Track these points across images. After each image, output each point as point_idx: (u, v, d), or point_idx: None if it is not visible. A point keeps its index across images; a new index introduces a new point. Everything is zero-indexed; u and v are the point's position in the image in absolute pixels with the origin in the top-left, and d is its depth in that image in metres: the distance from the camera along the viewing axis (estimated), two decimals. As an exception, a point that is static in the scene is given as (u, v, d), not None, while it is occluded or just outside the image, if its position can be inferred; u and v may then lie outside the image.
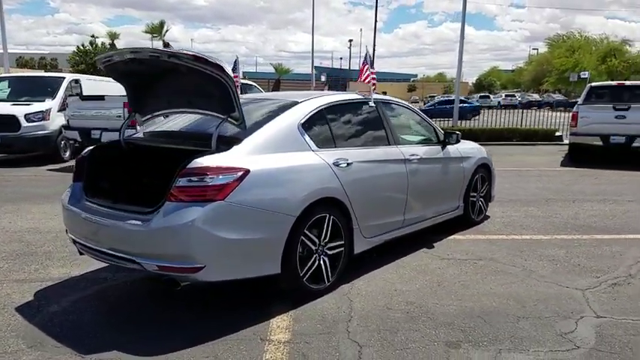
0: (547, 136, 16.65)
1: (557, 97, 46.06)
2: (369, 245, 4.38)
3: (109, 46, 38.74)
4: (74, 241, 3.85)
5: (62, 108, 11.74)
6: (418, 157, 4.90)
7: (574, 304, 3.79)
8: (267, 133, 3.71)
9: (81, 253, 4.00)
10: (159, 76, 3.91)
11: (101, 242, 3.54)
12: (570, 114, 12.29)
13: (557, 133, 16.76)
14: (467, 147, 5.89)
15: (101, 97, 10.71)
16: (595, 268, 4.59)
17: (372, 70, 5.28)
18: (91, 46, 39.39)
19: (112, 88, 13.90)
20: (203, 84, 3.58)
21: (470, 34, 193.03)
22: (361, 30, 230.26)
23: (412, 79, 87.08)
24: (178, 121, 4.46)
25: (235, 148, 3.48)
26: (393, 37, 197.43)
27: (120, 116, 10.34)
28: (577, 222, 6.29)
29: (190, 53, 3.35)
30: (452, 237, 5.56)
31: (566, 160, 12.34)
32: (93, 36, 40.13)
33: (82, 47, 39.61)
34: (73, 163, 10.50)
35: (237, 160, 3.39)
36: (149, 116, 4.33)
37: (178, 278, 3.30)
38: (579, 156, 12.11)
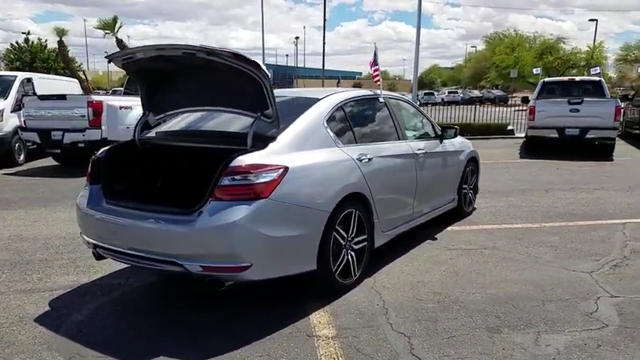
0: (500, 130, 17.35)
1: (497, 92, 48.06)
2: (386, 239, 4.45)
3: (45, 43, 36.70)
4: (95, 246, 3.68)
5: (16, 108, 11.12)
6: (424, 151, 5.02)
7: (586, 286, 4.02)
8: (298, 130, 3.69)
9: (98, 258, 3.84)
10: (183, 74, 3.81)
11: (134, 245, 3.41)
12: (527, 108, 12.86)
13: (509, 127, 17.50)
14: (459, 141, 6.07)
15: (62, 97, 10.20)
16: (591, 251, 4.87)
17: (375, 67, 5.34)
18: (26, 43, 37.25)
19: (65, 87, 13.37)
20: (236, 82, 3.53)
21: (408, 32, 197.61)
22: (304, 27, 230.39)
23: (357, 77, 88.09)
24: (189, 120, 4.34)
25: (271, 145, 3.45)
26: (335, 35, 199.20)
27: (84, 116, 9.91)
28: (558, 210, 6.64)
29: (230, 51, 3.30)
30: (449, 229, 5.73)
31: (523, 152, 12.93)
32: (27, 32, 37.89)
33: (16, 44, 37.39)
34: (26, 167, 10.00)
35: (277, 158, 3.37)
36: (162, 115, 4.20)
37: (224, 278, 3.24)
38: (536, 148, 12.72)
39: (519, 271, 4.37)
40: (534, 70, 32.58)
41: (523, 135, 14.76)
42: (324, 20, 38.11)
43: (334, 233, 3.68)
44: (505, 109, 21.20)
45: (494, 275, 4.27)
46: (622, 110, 12.69)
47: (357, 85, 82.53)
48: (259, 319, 3.46)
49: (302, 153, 3.59)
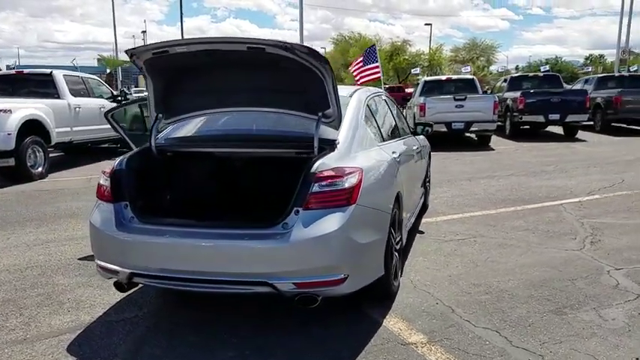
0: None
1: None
2: (406, 236, 4.43)
3: None
4: (131, 275, 3.08)
5: None
6: (416, 147, 5.10)
7: (588, 262, 4.44)
8: (351, 130, 3.49)
9: (123, 289, 3.24)
10: (218, 71, 3.35)
11: (206, 269, 2.92)
12: (418, 105, 13.74)
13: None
14: (421, 137, 6.27)
15: None
16: (562, 232, 5.39)
17: (368, 65, 5.26)
18: None
19: None
20: (294, 79, 3.21)
21: (253, 31, 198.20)
22: (145, 21, 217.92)
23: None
24: (209, 124, 3.84)
25: (338, 147, 3.22)
26: (177, 30, 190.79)
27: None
28: (496, 197, 7.22)
29: (305, 46, 2.99)
30: (424, 221, 5.90)
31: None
32: None
33: None
34: None
35: (350, 160, 3.16)
36: (176, 119, 3.66)
37: (319, 293, 2.93)
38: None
39: (524, 255, 4.67)
40: (413, 70, 35.07)
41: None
42: (181, 15, 36.47)
43: (390, 235, 3.57)
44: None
45: (507, 262, 4.50)
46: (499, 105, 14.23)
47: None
48: (334, 334, 3.21)
49: (361, 153, 3.42)
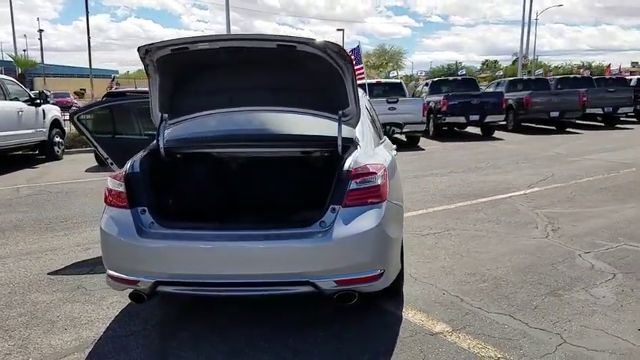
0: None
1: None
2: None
3: None
4: (155, 284, 2.89)
5: None
6: (395, 146, 5.24)
7: (558, 248, 4.81)
8: (364, 128, 3.53)
9: (141, 300, 3.04)
10: (232, 70, 3.24)
11: (245, 271, 2.81)
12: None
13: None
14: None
15: None
16: (522, 222, 5.79)
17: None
18: None
19: None
20: (314, 77, 3.19)
21: (157, 31, 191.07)
22: (38, 19, 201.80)
23: (114, 75, 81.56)
24: (212, 125, 3.69)
25: (361, 144, 3.25)
26: (74, 29, 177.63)
27: None
28: (448, 192, 7.59)
29: (335, 44, 2.97)
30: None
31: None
32: None
33: None
34: None
35: (374, 158, 3.21)
36: (182, 119, 3.48)
37: (359, 290, 2.93)
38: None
39: (499, 244, 4.96)
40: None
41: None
42: (87, 12, 34.29)
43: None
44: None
45: (488, 251, 4.76)
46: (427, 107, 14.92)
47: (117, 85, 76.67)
48: (363, 331, 3.24)
49: (377, 151, 3.48)
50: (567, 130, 17.33)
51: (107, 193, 3.09)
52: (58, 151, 12.47)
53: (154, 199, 3.05)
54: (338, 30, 69.36)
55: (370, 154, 3.31)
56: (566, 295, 3.72)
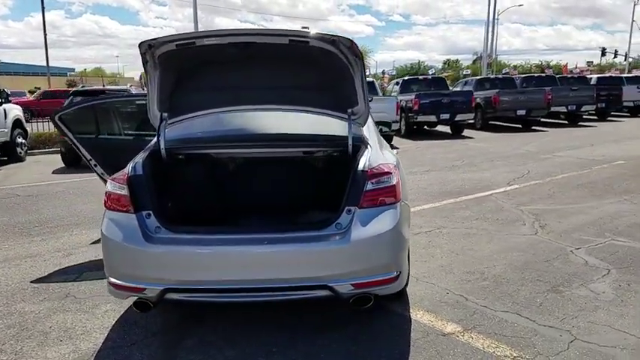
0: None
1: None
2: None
3: None
4: (164, 291, 2.75)
5: None
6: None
7: (549, 244, 4.88)
8: (371, 127, 3.47)
9: (146, 309, 2.89)
10: (237, 66, 3.12)
11: (260, 276, 2.70)
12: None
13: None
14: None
15: None
16: (509, 219, 5.85)
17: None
18: None
19: None
20: (323, 75, 3.11)
21: (115, 28, 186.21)
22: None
23: (69, 73, 78.87)
24: (206, 125, 3.55)
25: (370, 144, 3.19)
26: (26, 26, 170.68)
27: None
28: (429, 190, 7.63)
29: (348, 39, 2.89)
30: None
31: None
32: None
33: None
34: None
35: (386, 157, 3.15)
36: (181, 118, 3.34)
37: (377, 292, 2.87)
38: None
39: (491, 242, 5.00)
40: None
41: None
42: (43, 7, 33.10)
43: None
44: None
45: (481, 249, 4.78)
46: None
47: (73, 84, 74.36)
48: (375, 333, 3.19)
49: (384, 151, 3.43)
50: (533, 128, 17.76)
51: (107, 197, 2.93)
52: (20, 152, 11.96)
53: (158, 203, 2.91)
54: (303, 28, 68.87)
55: (379, 154, 3.25)
56: (566, 292, 3.76)
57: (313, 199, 3.43)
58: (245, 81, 3.28)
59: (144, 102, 3.81)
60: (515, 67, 60.22)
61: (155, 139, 3.37)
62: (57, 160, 11.07)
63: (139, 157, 3.09)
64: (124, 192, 2.86)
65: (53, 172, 10.15)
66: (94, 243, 5.19)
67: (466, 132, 16.77)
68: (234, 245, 2.75)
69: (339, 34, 2.88)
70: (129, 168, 2.97)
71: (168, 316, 3.49)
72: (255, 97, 3.34)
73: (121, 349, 3.05)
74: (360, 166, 2.89)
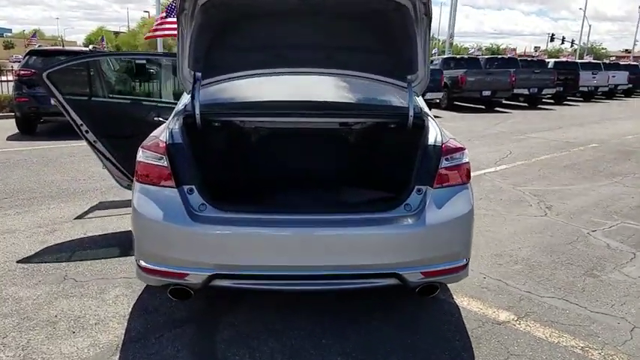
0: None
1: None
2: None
3: None
4: (212, 277, 2.38)
5: None
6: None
7: (564, 226, 4.80)
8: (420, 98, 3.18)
9: (184, 297, 2.53)
10: (281, 23, 2.73)
11: (325, 262, 2.38)
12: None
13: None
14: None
15: None
16: (512, 199, 5.75)
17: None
18: None
19: None
20: (384, 36, 2.76)
21: None
22: None
23: (6, 34, 73.65)
24: (255, 87, 3.13)
25: (430, 117, 2.90)
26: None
27: None
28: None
29: None
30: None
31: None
32: None
33: None
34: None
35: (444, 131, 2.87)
36: (217, 79, 2.91)
37: (443, 281, 2.61)
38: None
39: (506, 224, 4.86)
40: None
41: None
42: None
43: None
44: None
45: (499, 231, 4.64)
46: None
47: (10, 46, 69.54)
48: (430, 323, 2.95)
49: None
50: (496, 109, 18.00)
51: (140, 169, 2.50)
52: (-34, 116, 10.88)
53: (202, 176, 2.51)
54: None
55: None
56: (603, 276, 3.66)
57: (361, 176, 3.10)
58: (291, 39, 2.88)
59: (143, 62, 3.35)
60: (465, 49, 61.24)
61: (181, 103, 2.94)
62: (10, 126, 10.13)
63: (175, 124, 2.65)
64: (163, 163, 2.44)
65: (8, 139, 9.27)
66: (77, 218, 4.69)
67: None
68: (292, 227, 2.40)
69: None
70: (166, 135, 2.54)
71: (192, 301, 3.12)
72: (303, 58, 2.95)
73: (148, 342, 2.67)
74: (431, 141, 2.59)
